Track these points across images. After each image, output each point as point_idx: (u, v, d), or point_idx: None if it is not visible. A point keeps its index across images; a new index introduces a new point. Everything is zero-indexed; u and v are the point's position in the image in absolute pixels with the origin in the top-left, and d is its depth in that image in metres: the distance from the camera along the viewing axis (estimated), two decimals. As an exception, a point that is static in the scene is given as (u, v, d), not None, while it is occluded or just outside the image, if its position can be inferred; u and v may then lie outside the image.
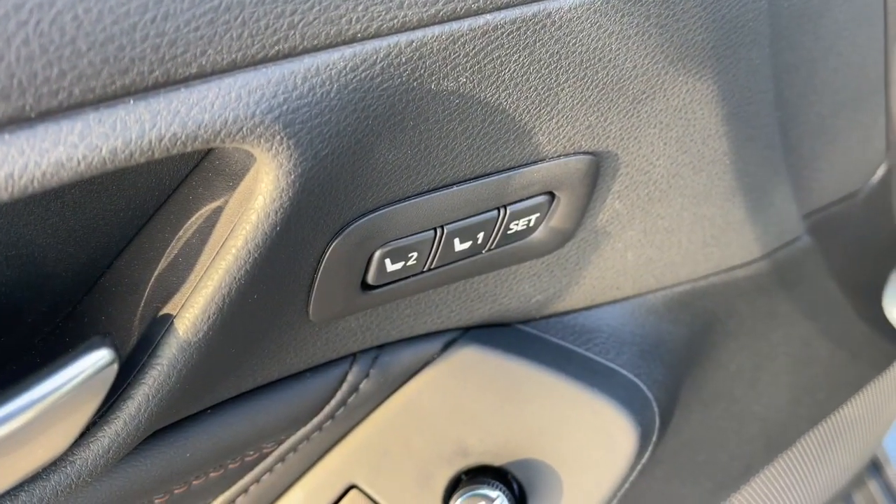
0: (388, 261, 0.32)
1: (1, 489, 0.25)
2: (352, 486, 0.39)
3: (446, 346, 0.38)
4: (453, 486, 0.38)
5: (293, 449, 0.37)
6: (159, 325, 0.27)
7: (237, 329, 0.29)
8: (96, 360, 0.25)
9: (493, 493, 0.36)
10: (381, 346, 0.38)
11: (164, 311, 0.27)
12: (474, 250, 0.34)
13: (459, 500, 0.37)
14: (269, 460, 0.37)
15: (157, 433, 0.33)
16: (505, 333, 0.40)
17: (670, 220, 0.39)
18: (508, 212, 0.33)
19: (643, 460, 0.39)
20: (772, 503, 0.73)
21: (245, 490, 0.38)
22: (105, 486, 0.32)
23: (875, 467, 1.21)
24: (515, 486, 0.38)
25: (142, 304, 0.28)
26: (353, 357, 0.37)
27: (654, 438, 0.40)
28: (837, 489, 0.90)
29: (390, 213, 0.30)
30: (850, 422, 0.73)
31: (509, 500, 0.37)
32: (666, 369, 0.42)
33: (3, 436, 0.24)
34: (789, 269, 0.49)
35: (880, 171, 0.52)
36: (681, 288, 0.44)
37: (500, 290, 0.38)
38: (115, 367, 0.25)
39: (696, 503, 0.57)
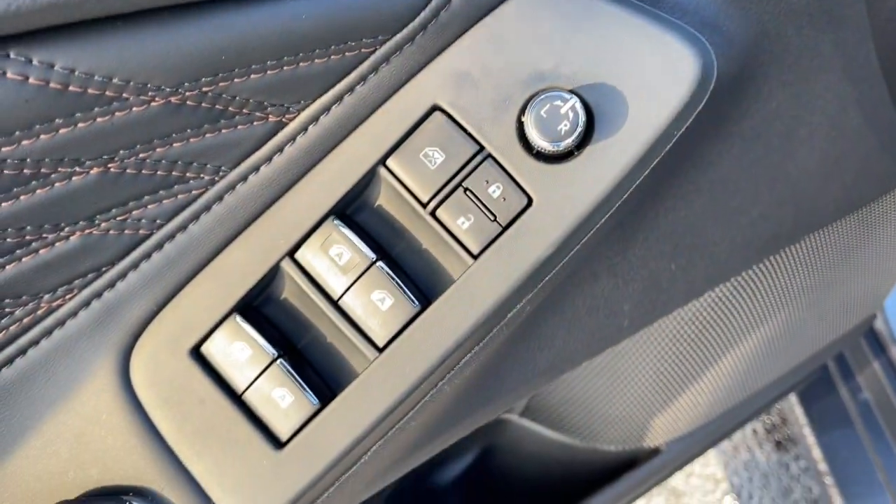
0: None
1: None
2: (435, 108, 0.43)
3: None
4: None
5: (386, 59, 0.41)
6: None
7: None
8: None
9: (567, 95, 0.41)
10: None
11: None
12: None
13: (539, 98, 0.41)
14: (366, 65, 0.41)
15: None
16: (580, -13, 0.43)
17: None
18: None
19: (700, 107, 0.43)
20: (786, 312, 0.77)
21: (339, 99, 0.42)
22: None
23: (880, 346, 1.25)
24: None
25: None
26: None
27: (712, 87, 0.43)
28: (845, 331, 0.94)
29: None
30: (870, 241, 0.77)
31: (581, 106, 0.41)
32: (724, 43, 0.46)
33: None
34: (837, 4, 0.52)
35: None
36: None
37: None
38: None
39: (724, 252, 0.61)
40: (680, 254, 0.58)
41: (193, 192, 0.42)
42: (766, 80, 0.53)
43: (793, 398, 1.40)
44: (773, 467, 1.49)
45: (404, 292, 0.43)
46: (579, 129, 0.41)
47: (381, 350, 0.44)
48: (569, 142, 0.41)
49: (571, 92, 0.41)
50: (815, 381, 1.29)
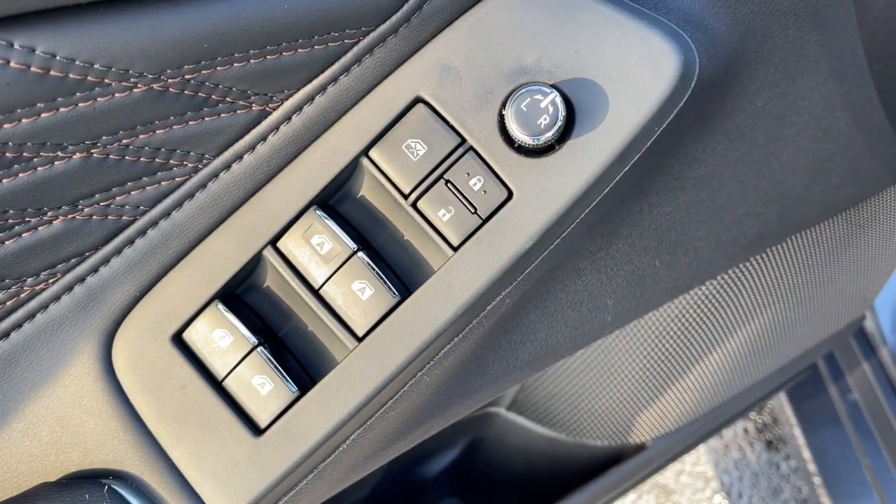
0: None
1: None
2: (418, 100, 0.43)
3: None
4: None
5: (369, 51, 0.42)
6: None
7: None
8: None
9: (548, 89, 0.41)
10: None
11: None
12: None
13: (520, 92, 0.41)
14: (349, 56, 0.41)
15: None
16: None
17: None
18: None
19: (681, 104, 0.43)
20: (773, 307, 0.77)
21: (323, 89, 0.42)
22: None
23: (870, 347, 1.25)
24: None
25: None
26: None
27: (693, 84, 0.44)
28: (833, 331, 0.94)
29: None
30: (858, 242, 0.77)
31: (561, 100, 0.41)
32: (708, 41, 0.46)
33: None
34: (824, 4, 0.53)
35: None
36: None
37: None
38: None
39: (709, 249, 0.61)
40: (664, 250, 0.59)
41: (177, 179, 0.42)
42: (751, 80, 0.53)
43: (783, 398, 1.40)
44: (763, 466, 1.50)
45: (384, 283, 0.43)
46: (559, 124, 0.41)
47: (360, 339, 0.44)
48: (549, 136, 0.41)
49: (552, 86, 0.42)
50: (805, 382, 1.30)
